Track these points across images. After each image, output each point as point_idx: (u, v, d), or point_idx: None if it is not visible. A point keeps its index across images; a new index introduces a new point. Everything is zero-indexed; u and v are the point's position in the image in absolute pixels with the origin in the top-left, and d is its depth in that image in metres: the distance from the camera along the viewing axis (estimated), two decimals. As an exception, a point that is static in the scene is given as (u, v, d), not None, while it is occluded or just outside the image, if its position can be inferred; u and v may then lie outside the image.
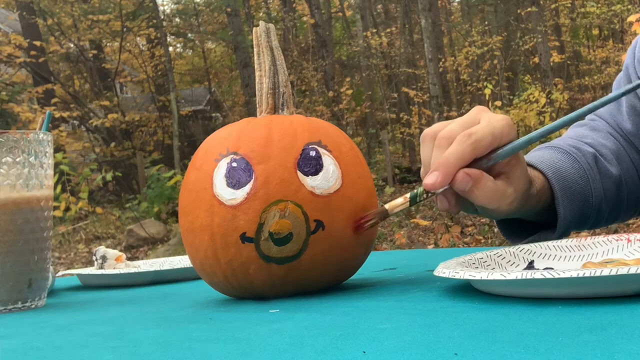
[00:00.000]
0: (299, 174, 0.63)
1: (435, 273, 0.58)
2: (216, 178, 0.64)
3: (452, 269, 0.56)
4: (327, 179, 0.64)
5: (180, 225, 0.68)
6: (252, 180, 0.62)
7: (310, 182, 0.63)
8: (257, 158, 0.63)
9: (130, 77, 16.86)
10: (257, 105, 0.71)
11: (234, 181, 0.63)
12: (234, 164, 0.63)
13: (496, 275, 0.51)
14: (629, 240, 0.66)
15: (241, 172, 0.63)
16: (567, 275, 0.48)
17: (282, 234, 0.62)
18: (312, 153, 0.64)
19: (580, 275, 0.47)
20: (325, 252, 0.64)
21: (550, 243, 0.69)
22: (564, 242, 0.68)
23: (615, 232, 4.95)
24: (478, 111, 0.70)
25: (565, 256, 0.67)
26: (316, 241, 0.63)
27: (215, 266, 0.65)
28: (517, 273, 0.50)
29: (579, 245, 0.68)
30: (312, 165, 0.64)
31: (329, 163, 0.64)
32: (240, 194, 0.62)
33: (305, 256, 0.63)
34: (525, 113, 9.63)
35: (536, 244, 0.69)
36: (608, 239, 0.67)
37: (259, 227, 0.62)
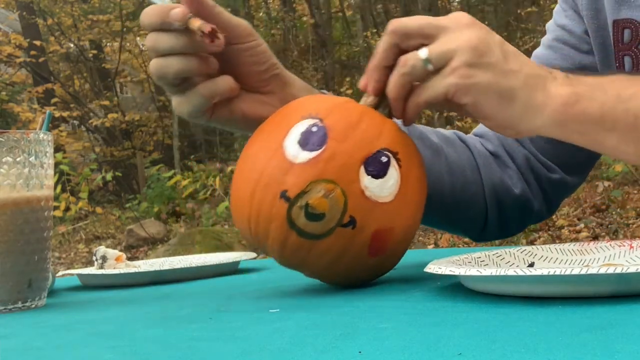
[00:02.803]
0: (362, 169, 0.63)
1: (427, 269, 0.58)
2: (293, 132, 0.64)
3: (445, 266, 0.56)
4: (383, 188, 0.63)
5: (238, 166, 0.68)
6: (320, 150, 0.63)
7: (367, 181, 0.63)
8: (335, 133, 0.64)
9: (130, 77, 16.84)
10: (366, 95, 0.71)
11: (306, 142, 0.63)
12: (314, 129, 0.64)
13: (473, 272, 0.51)
14: (631, 247, 0.67)
15: (316, 138, 0.63)
16: (538, 273, 0.48)
17: (316, 211, 0.62)
18: (384, 159, 0.64)
19: (556, 273, 0.47)
20: (342, 248, 0.63)
21: (552, 246, 0.69)
22: (566, 245, 0.69)
23: (616, 231, 4.96)
24: None
25: (567, 260, 0.67)
26: (341, 234, 0.63)
27: (245, 207, 0.65)
28: (492, 269, 0.51)
29: (581, 250, 0.69)
30: (377, 169, 0.63)
31: (392, 176, 0.64)
32: (303, 156, 0.63)
33: (324, 243, 0.63)
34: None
35: (538, 246, 0.69)
36: (610, 245, 0.68)
37: (300, 193, 0.62)
